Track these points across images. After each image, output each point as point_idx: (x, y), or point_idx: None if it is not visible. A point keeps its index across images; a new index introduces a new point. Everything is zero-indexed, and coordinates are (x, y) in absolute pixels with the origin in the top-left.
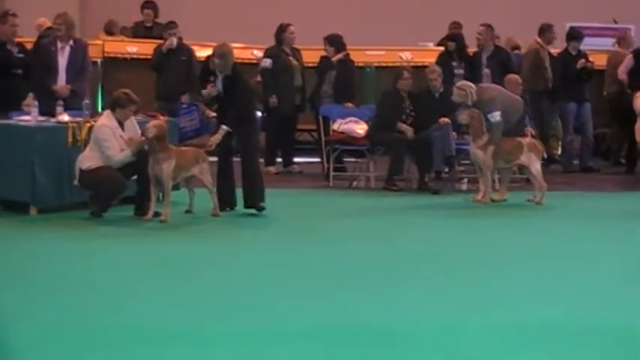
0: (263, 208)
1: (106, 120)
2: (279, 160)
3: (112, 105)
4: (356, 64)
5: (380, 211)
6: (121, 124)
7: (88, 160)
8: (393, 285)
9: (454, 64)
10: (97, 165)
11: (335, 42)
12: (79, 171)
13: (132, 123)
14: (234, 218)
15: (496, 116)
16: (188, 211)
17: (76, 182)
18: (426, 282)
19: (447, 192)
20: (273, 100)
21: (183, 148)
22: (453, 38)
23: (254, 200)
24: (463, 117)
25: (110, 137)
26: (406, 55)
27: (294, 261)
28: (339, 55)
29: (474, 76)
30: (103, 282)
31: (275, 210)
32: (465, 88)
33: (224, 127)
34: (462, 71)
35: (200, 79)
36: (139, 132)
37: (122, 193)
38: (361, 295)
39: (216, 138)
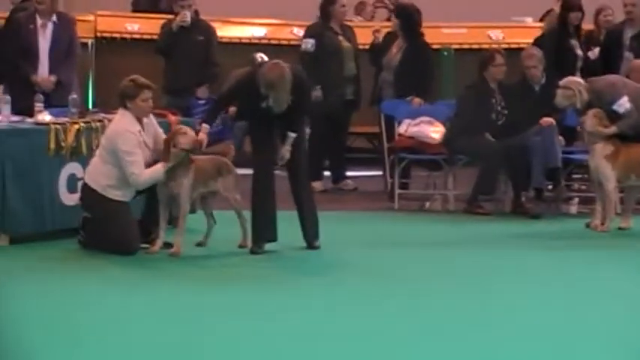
0: (318, 247)
1: (125, 122)
2: (326, 173)
3: (122, 100)
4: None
5: (462, 242)
6: (142, 125)
7: (102, 177)
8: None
9: (573, 42)
10: (112, 192)
11: (406, 14)
12: (82, 184)
13: (151, 122)
14: (270, 253)
15: (625, 103)
16: (200, 244)
17: (75, 201)
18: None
19: (551, 216)
20: (317, 93)
21: (202, 157)
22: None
23: (309, 234)
24: (590, 122)
25: (134, 149)
26: (496, 34)
27: (351, 319)
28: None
29: (610, 61)
30: (88, 335)
31: (324, 241)
32: (572, 86)
33: (291, 133)
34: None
35: (231, 96)
36: (161, 133)
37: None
38: None
39: (287, 150)
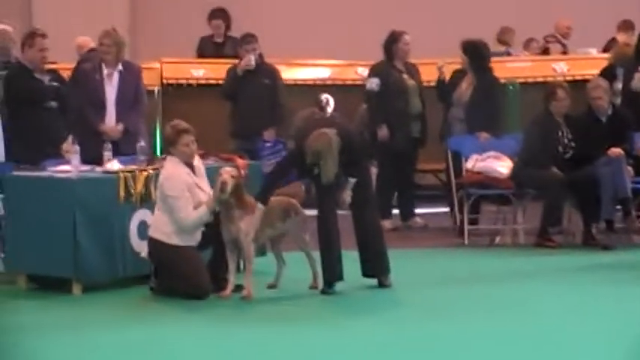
0: (389, 285)
1: (172, 168)
2: (395, 211)
3: (166, 147)
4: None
5: (534, 276)
6: (192, 169)
7: (164, 225)
8: None
9: None
10: (177, 238)
11: (474, 50)
12: (148, 239)
13: (199, 168)
14: (342, 293)
15: None
16: (272, 286)
17: (143, 254)
18: None
19: (622, 247)
20: (384, 132)
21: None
22: None
23: (379, 272)
24: None
25: (181, 192)
26: (561, 67)
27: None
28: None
29: None
30: None
31: (394, 279)
32: None
33: (351, 179)
34: None
35: (282, 171)
36: (205, 180)
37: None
38: None
39: (348, 195)
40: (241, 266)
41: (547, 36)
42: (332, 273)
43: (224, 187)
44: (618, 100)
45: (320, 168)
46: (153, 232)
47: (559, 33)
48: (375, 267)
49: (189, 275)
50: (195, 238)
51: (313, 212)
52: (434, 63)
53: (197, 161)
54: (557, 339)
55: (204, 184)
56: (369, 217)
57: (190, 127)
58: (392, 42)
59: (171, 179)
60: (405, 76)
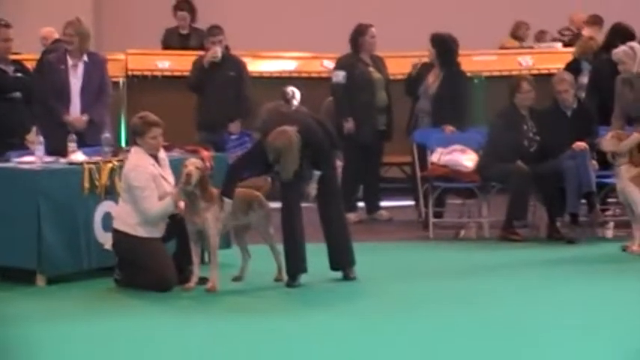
0: (354, 278)
1: (137, 159)
2: (360, 204)
3: (132, 137)
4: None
5: (499, 269)
6: (157, 160)
7: (128, 217)
8: None
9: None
10: (142, 229)
11: (442, 44)
12: (112, 230)
13: (164, 159)
14: (307, 286)
15: None
16: (237, 279)
17: (108, 246)
18: None
19: (587, 241)
20: (350, 125)
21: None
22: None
23: (344, 264)
24: (607, 143)
25: (146, 183)
26: (526, 61)
27: (387, 349)
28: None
29: None
30: None
31: (360, 272)
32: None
33: (316, 171)
34: None
35: (243, 166)
36: (169, 171)
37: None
38: None
39: (314, 188)
40: (206, 258)
41: (562, 29)
42: (296, 266)
43: (189, 178)
44: (583, 94)
45: (280, 165)
46: (117, 224)
47: (575, 27)
48: (340, 260)
49: (153, 267)
50: (160, 230)
51: (279, 205)
52: (401, 56)
53: (161, 153)
54: (521, 332)
55: (169, 175)
56: (335, 210)
57: (159, 120)
58: (358, 35)
59: (136, 170)
60: (372, 69)
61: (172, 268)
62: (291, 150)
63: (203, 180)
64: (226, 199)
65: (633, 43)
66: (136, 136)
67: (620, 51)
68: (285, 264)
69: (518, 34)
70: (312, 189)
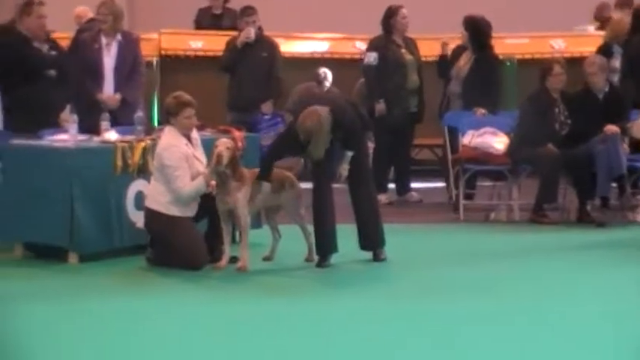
0: (384, 259)
1: (170, 138)
2: (391, 185)
3: (166, 117)
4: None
5: (528, 252)
6: (189, 140)
7: (160, 196)
8: None
9: None
10: (174, 208)
11: (474, 27)
12: (145, 209)
13: (196, 139)
14: (337, 267)
15: None
16: (267, 259)
17: (140, 225)
18: None
19: (617, 225)
20: (381, 106)
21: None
22: None
23: (374, 245)
24: (638, 129)
25: (179, 162)
26: (558, 44)
27: (415, 330)
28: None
29: None
30: (159, 349)
31: (389, 254)
32: None
33: (349, 152)
34: None
35: (278, 150)
36: (202, 151)
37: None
38: None
39: (345, 169)
40: (236, 238)
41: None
42: (326, 246)
43: (220, 159)
44: (616, 78)
45: (311, 146)
46: (149, 203)
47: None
48: (370, 240)
49: (185, 246)
50: (192, 209)
51: (310, 185)
52: (433, 38)
53: (194, 132)
54: (551, 317)
55: (201, 155)
56: (365, 191)
57: (193, 100)
58: (390, 16)
59: (169, 149)
60: (404, 50)
61: (204, 247)
62: (322, 130)
63: (234, 160)
64: (264, 183)
65: None
66: (169, 116)
67: None
68: (315, 244)
69: (603, 15)
70: (344, 169)
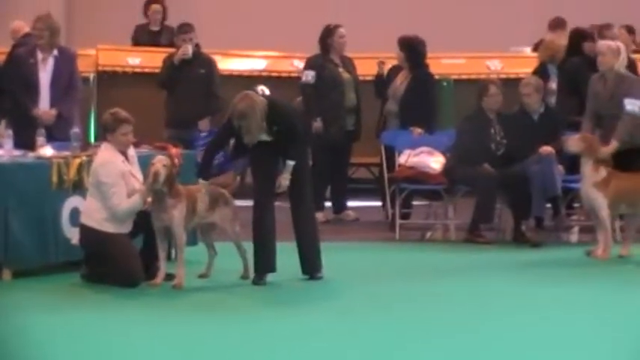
0: (320, 278)
1: (107, 155)
2: (327, 204)
3: (103, 133)
4: None
5: (463, 271)
6: (126, 157)
7: (95, 212)
8: None
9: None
10: (109, 225)
11: (410, 46)
12: (80, 225)
13: (132, 157)
14: (273, 284)
15: (633, 105)
16: (203, 275)
17: (75, 241)
18: None
19: (552, 245)
20: (318, 124)
21: (196, 187)
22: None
23: (315, 269)
24: (573, 143)
25: (116, 179)
26: (495, 64)
27: (350, 347)
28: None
29: None
30: None
31: (326, 272)
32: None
33: (290, 161)
34: None
35: (218, 142)
36: (138, 168)
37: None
38: None
39: (286, 179)
40: (172, 255)
41: None
42: (264, 264)
43: (157, 177)
44: (553, 99)
45: (243, 129)
46: (85, 219)
47: None
48: (313, 264)
49: (120, 262)
50: (127, 226)
51: (246, 203)
52: (371, 57)
53: (131, 149)
54: (483, 335)
55: (137, 172)
56: (305, 211)
57: (130, 117)
58: (327, 35)
59: (105, 166)
60: (341, 69)
61: (139, 264)
62: (254, 113)
63: (170, 178)
64: (201, 181)
65: (618, 42)
66: (106, 132)
67: (604, 44)
68: (254, 261)
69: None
70: (284, 179)
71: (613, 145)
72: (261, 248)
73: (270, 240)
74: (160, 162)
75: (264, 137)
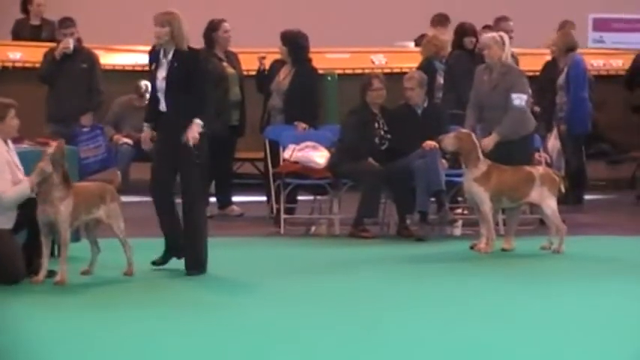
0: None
1: None
2: (212, 199)
3: None
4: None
5: (347, 265)
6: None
7: None
8: None
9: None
10: None
11: (293, 41)
12: None
13: (12, 150)
14: (153, 279)
15: (521, 99)
16: (85, 272)
17: None
18: None
19: (436, 239)
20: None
21: (84, 183)
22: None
23: (200, 267)
24: (448, 142)
25: (1, 167)
26: (379, 59)
27: (230, 344)
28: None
29: None
30: None
31: (209, 267)
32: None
33: (198, 120)
34: None
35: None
36: (19, 163)
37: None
38: None
39: (194, 132)
40: (55, 251)
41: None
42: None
43: (45, 155)
44: (440, 94)
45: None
46: None
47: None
48: (197, 262)
49: (2, 258)
50: (10, 221)
51: (130, 198)
52: (254, 52)
53: (9, 143)
54: (361, 330)
55: (19, 164)
56: (195, 206)
57: (14, 102)
58: (212, 30)
59: None
60: (225, 64)
61: (22, 260)
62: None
63: (60, 159)
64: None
65: (502, 32)
66: None
67: (488, 37)
68: (133, 258)
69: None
70: (194, 133)
71: (493, 138)
72: (198, 243)
73: (205, 235)
74: (52, 146)
75: None
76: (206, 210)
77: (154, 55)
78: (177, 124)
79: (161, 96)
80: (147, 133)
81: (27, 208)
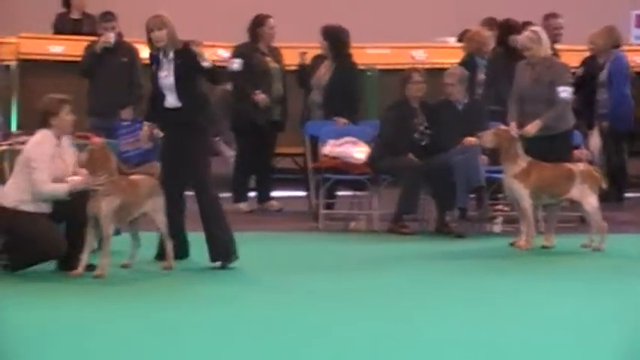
0: (226, 265)
1: (40, 137)
2: (251, 194)
3: (45, 118)
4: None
5: (384, 262)
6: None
7: (14, 192)
8: None
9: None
10: (25, 206)
11: (334, 36)
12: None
13: (67, 146)
14: (193, 274)
15: (567, 92)
16: (125, 265)
17: None
18: None
19: (475, 235)
20: (261, 97)
21: (134, 177)
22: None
23: (217, 254)
24: (487, 138)
25: (44, 157)
26: (419, 54)
27: (266, 337)
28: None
29: None
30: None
31: (246, 262)
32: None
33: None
34: None
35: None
36: (67, 155)
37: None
38: None
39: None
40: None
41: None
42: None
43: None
44: (480, 91)
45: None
46: (3, 201)
47: None
48: (216, 251)
49: (39, 235)
50: (45, 207)
51: None
52: (296, 47)
53: (64, 138)
54: (407, 325)
55: (70, 157)
56: (206, 200)
57: (68, 97)
58: (257, 25)
59: (39, 145)
60: (269, 59)
61: (60, 235)
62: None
63: (97, 161)
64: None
65: (536, 27)
66: (49, 116)
67: (523, 37)
68: (172, 252)
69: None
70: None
71: (537, 124)
72: (223, 236)
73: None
74: (92, 144)
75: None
76: (219, 199)
77: (154, 58)
78: (187, 118)
79: (168, 93)
80: (146, 130)
81: (67, 203)
